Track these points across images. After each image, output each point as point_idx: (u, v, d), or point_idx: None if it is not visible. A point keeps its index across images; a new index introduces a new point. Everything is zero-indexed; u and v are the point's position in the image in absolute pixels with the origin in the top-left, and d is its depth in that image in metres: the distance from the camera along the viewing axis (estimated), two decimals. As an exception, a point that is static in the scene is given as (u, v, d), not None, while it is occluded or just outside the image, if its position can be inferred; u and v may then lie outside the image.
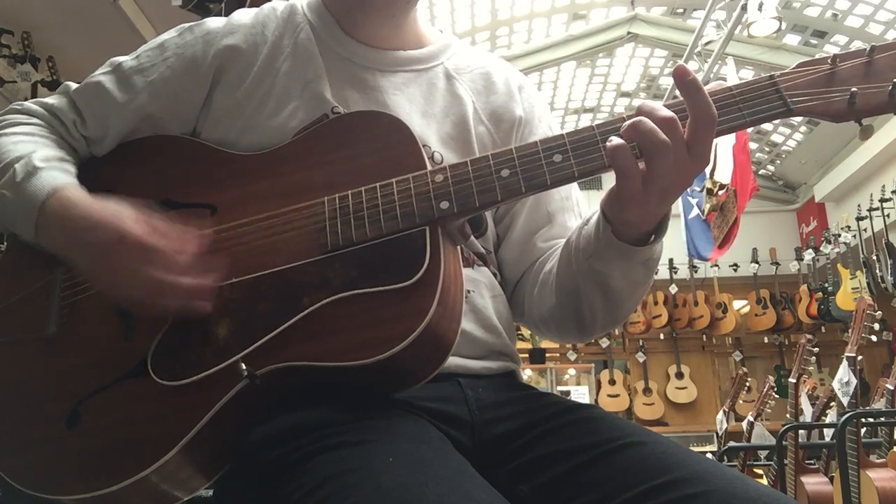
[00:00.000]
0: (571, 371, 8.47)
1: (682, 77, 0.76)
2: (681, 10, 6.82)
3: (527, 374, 7.83)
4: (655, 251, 0.88)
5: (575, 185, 1.09)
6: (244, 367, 0.78)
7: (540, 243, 1.05)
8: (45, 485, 0.81)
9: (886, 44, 0.79)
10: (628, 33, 6.76)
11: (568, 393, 7.64)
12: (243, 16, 1.04)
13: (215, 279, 0.83)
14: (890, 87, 0.76)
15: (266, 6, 1.06)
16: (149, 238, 0.82)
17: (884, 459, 2.91)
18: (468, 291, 0.95)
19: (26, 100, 1.04)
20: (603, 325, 0.97)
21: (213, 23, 1.03)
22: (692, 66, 6.14)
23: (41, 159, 0.91)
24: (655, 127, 0.75)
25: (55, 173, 0.91)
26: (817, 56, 0.82)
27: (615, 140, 0.77)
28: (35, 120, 0.99)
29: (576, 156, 0.81)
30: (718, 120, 0.78)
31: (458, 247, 0.87)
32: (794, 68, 0.81)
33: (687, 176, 0.78)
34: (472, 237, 0.91)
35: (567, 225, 1.06)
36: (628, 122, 0.77)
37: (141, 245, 0.81)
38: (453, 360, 0.89)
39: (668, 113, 0.76)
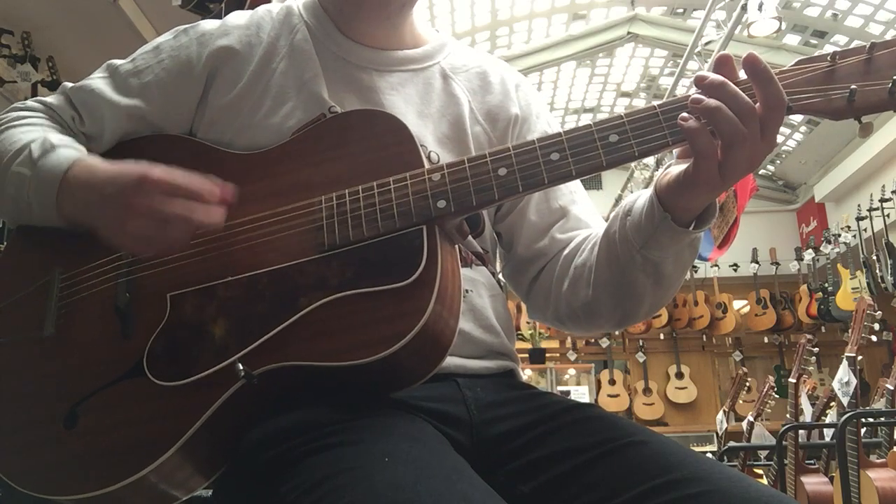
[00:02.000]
0: (571, 371, 8.47)
1: (753, 65, 0.75)
2: (681, 10, 6.82)
3: (527, 374, 7.83)
4: (701, 233, 0.88)
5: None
6: (241, 367, 0.77)
7: (559, 235, 1.04)
8: (44, 485, 0.81)
9: (886, 41, 0.79)
10: (628, 33, 6.77)
11: (568, 393, 7.64)
12: (238, 18, 1.04)
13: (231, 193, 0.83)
14: (890, 85, 0.75)
15: (260, 8, 1.07)
16: (170, 174, 0.82)
17: (884, 459, 2.91)
18: (466, 291, 0.95)
19: (26, 99, 1.05)
20: (647, 313, 0.96)
21: (208, 24, 1.03)
22: (692, 66, 6.14)
23: (57, 140, 0.93)
24: (735, 117, 0.75)
25: (72, 151, 0.92)
26: (816, 54, 0.81)
27: (692, 122, 0.76)
28: (38, 114, 1.01)
29: (573, 154, 0.81)
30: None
31: (456, 246, 0.87)
32: (792, 66, 0.81)
33: (758, 160, 0.78)
34: (470, 237, 0.91)
35: (580, 217, 1.06)
36: (707, 105, 0.75)
37: (163, 179, 0.81)
38: (451, 360, 0.89)
39: (749, 104, 0.75)
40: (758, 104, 0.76)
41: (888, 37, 0.80)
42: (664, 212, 0.83)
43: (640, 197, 0.89)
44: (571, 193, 1.08)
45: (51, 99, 1.02)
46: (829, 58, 0.79)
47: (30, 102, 1.03)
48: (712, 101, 0.75)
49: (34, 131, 0.96)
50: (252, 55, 1.00)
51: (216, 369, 0.79)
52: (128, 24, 3.77)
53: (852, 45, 0.81)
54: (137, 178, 0.82)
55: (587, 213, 1.08)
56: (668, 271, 0.90)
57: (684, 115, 0.77)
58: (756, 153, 0.77)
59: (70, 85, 1.03)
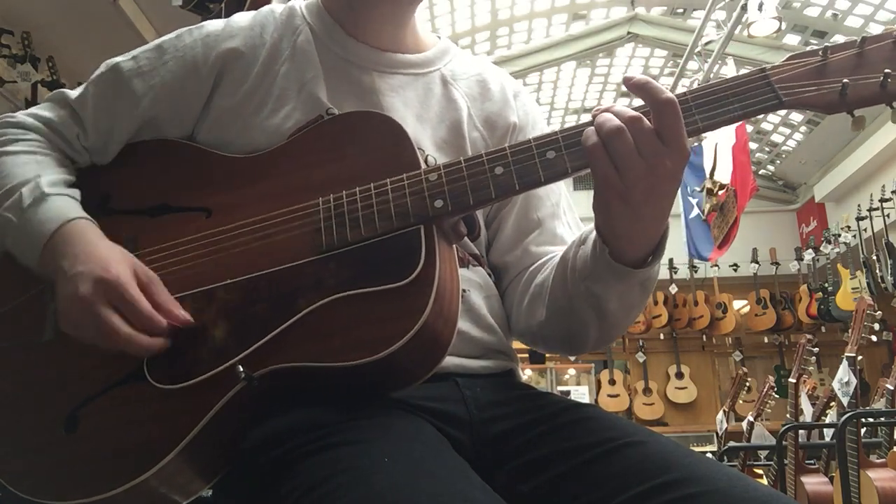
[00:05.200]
0: (571, 371, 8.47)
1: (627, 83, 0.78)
2: (681, 10, 6.82)
3: (527, 374, 7.83)
4: (653, 272, 0.87)
5: (564, 191, 1.09)
6: (241, 369, 0.78)
7: (533, 248, 1.04)
8: (44, 490, 0.81)
9: (877, 35, 0.79)
10: (628, 33, 6.77)
11: (568, 393, 7.64)
12: (241, 19, 1.04)
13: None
14: (881, 78, 0.76)
15: (264, 9, 1.06)
16: (128, 286, 0.81)
17: (884, 459, 2.91)
18: (464, 291, 0.95)
19: (26, 100, 1.03)
20: (594, 345, 0.96)
21: (212, 25, 1.02)
22: (692, 65, 6.14)
23: (48, 184, 0.90)
24: (614, 117, 0.76)
25: (64, 202, 0.90)
26: (809, 48, 0.81)
27: (591, 139, 0.77)
28: (32, 135, 0.97)
29: (569, 152, 0.81)
30: (712, 113, 0.79)
31: (454, 246, 0.87)
32: (785, 61, 0.81)
33: (668, 171, 0.77)
34: (466, 238, 0.91)
35: (556, 232, 1.05)
36: (594, 123, 0.78)
37: (118, 288, 0.80)
38: (451, 360, 0.89)
39: (626, 110, 0.77)
40: (650, 110, 0.77)
41: (884, 36, 0.81)
42: (603, 244, 0.84)
43: None
44: (553, 206, 1.07)
45: (49, 114, 0.99)
46: (821, 52, 0.80)
47: (24, 118, 0.99)
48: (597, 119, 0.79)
49: (29, 165, 0.93)
50: (256, 57, 1.00)
51: (216, 372, 0.79)
52: (128, 24, 3.77)
53: (844, 41, 0.81)
54: (98, 274, 0.81)
55: (567, 230, 1.06)
56: (612, 308, 0.89)
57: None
58: (660, 162, 0.76)
59: (72, 95, 1.00)
